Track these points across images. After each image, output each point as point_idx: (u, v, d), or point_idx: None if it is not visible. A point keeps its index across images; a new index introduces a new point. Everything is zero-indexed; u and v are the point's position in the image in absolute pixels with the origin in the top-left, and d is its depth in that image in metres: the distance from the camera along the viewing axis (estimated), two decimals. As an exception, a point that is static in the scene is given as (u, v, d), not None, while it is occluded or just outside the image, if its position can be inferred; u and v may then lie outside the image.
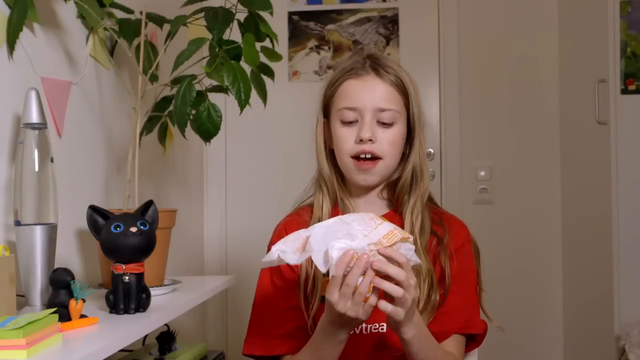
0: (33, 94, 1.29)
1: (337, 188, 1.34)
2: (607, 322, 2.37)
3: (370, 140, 1.26)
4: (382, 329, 1.27)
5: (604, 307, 2.40)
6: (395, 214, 1.34)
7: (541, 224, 2.94)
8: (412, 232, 1.28)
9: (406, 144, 1.34)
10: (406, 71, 1.34)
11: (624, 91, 2.34)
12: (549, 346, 2.93)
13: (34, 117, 1.29)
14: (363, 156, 1.28)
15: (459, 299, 1.28)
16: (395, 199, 1.35)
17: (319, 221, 1.23)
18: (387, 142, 1.28)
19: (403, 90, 1.31)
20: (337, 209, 1.34)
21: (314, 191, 1.37)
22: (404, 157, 1.34)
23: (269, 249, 1.22)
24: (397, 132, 1.30)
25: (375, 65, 1.31)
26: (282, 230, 1.35)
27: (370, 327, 1.27)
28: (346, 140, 1.29)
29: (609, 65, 2.34)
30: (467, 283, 1.31)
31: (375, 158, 1.28)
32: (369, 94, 1.28)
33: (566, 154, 2.88)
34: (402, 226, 1.28)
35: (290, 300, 1.31)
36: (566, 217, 2.89)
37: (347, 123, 1.29)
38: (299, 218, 1.37)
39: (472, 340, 1.33)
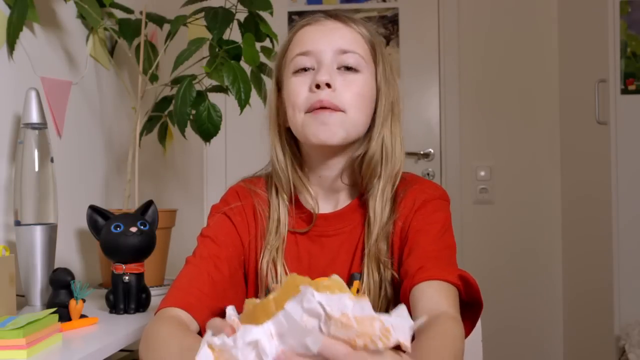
0: (33, 94, 1.29)
1: (290, 172, 1.06)
2: (607, 322, 2.37)
3: (329, 85, 0.98)
4: None
5: (604, 307, 2.40)
6: (358, 205, 1.07)
7: (541, 223, 2.94)
8: (378, 224, 1.02)
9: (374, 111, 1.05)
10: (376, 30, 1.08)
11: (624, 91, 2.34)
12: (549, 346, 2.93)
13: (34, 117, 1.29)
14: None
15: (416, 254, 0.98)
16: (360, 182, 1.05)
17: (278, 222, 1.06)
18: (351, 91, 0.99)
19: (370, 41, 1.04)
20: (291, 207, 1.08)
21: (268, 184, 1.11)
22: (371, 128, 1.04)
23: (210, 214, 1.14)
24: (363, 81, 1.01)
25: (338, 14, 1.06)
26: (235, 194, 1.13)
27: None
28: (299, 92, 1.00)
29: (609, 65, 2.34)
30: (427, 235, 1.01)
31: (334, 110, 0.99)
32: (328, 37, 1.02)
33: (566, 154, 2.88)
34: (365, 217, 1.04)
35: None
36: (566, 217, 2.89)
37: (301, 71, 1.01)
38: (256, 193, 1.11)
39: (468, 310, 0.98)
